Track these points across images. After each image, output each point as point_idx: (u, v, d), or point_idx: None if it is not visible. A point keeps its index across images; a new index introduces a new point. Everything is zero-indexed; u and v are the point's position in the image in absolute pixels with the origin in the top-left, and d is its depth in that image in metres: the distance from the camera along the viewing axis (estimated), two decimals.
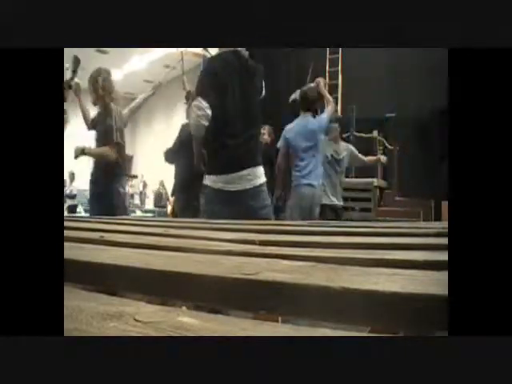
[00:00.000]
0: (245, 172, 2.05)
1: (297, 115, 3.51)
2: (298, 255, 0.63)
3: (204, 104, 1.98)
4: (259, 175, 2.12)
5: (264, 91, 2.24)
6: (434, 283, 0.42)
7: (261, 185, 2.12)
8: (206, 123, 1.99)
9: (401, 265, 0.54)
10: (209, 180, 2.10)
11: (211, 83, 2.03)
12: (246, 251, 0.70)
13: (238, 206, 2.05)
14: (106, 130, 2.81)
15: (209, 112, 1.98)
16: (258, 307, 0.46)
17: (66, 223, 1.00)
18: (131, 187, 11.87)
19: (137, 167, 11.89)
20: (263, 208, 2.11)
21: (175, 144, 3.56)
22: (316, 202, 3.43)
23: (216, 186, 2.07)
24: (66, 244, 0.58)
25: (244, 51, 2.14)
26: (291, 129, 3.45)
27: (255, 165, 2.10)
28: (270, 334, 0.32)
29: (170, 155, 3.65)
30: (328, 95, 3.58)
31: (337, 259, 0.59)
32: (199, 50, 7.44)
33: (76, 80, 2.98)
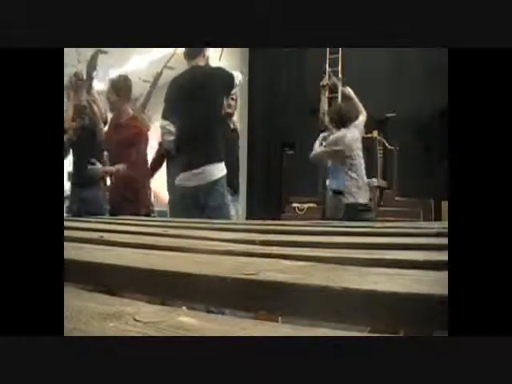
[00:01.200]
0: (196, 170, 2.38)
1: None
2: (299, 255, 0.63)
3: (165, 123, 2.48)
4: (212, 173, 2.40)
5: (237, 82, 2.54)
6: (434, 283, 0.42)
7: (214, 181, 2.39)
8: (171, 137, 2.47)
9: (401, 265, 0.54)
10: (176, 179, 2.50)
11: (169, 105, 2.53)
12: (246, 251, 0.70)
13: (194, 200, 2.39)
14: None
15: (170, 128, 2.46)
16: (258, 307, 0.46)
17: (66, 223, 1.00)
18: None
19: None
20: (216, 207, 2.39)
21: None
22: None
23: (177, 183, 2.47)
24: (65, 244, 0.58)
25: (200, 67, 2.50)
26: None
27: (209, 163, 2.39)
28: (270, 333, 0.32)
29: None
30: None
31: (337, 259, 0.59)
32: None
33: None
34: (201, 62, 2.51)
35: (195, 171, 2.39)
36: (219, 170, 2.43)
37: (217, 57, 3.93)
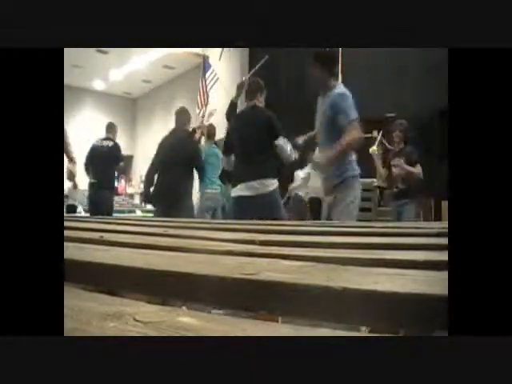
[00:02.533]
0: (251, 183, 2.91)
1: None
2: (298, 255, 0.63)
3: (221, 155, 3.50)
4: (267, 185, 2.91)
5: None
6: (434, 283, 0.42)
7: (269, 192, 2.88)
8: (225, 166, 3.37)
9: (401, 265, 0.54)
10: (232, 191, 3.10)
11: (231, 140, 3.20)
12: (246, 251, 0.70)
13: (249, 208, 2.85)
14: None
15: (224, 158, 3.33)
16: (258, 307, 0.46)
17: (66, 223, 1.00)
18: (131, 187, 11.83)
19: (136, 167, 11.89)
20: (271, 212, 2.80)
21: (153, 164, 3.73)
22: None
23: (233, 194, 3.05)
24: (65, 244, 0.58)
25: (258, 106, 3.14)
26: None
27: (263, 177, 2.92)
28: (270, 333, 0.32)
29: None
30: None
31: (337, 259, 0.59)
32: (199, 50, 7.45)
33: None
34: (258, 103, 3.13)
35: (250, 183, 2.92)
36: (269, 183, 2.93)
37: (217, 57, 3.98)
